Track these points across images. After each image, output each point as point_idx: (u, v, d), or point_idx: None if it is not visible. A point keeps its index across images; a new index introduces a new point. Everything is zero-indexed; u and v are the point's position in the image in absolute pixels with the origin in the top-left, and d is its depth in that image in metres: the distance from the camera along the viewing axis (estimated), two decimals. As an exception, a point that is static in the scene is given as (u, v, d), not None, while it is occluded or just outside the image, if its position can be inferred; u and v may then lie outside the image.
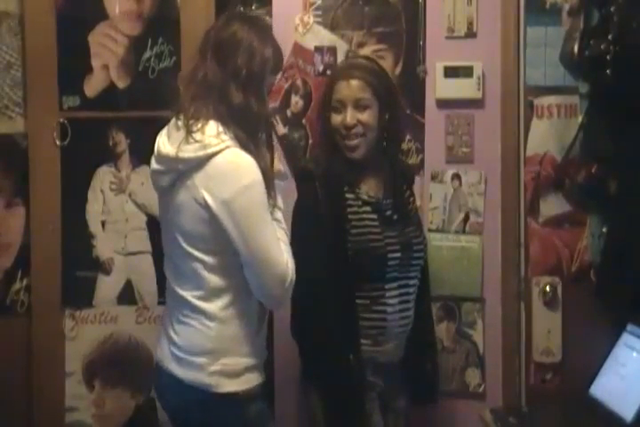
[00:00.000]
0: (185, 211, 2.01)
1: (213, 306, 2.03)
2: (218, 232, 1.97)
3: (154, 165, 2.09)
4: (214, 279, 2.02)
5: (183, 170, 1.99)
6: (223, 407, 2.05)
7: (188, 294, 2.05)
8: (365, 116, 2.29)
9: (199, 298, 2.04)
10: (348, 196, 2.31)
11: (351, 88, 2.30)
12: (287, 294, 2.01)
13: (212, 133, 1.97)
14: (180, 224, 2.03)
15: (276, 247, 1.98)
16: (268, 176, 2.02)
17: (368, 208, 2.32)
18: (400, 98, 2.47)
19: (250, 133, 2.02)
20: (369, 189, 2.35)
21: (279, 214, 2.08)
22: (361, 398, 2.25)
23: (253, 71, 2.03)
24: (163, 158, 2.04)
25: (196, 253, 2.02)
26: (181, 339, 2.06)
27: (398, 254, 2.30)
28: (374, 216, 2.31)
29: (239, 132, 2.00)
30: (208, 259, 2.01)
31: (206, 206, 1.96)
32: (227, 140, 1.97)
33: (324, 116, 2.36)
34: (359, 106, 2.29)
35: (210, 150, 1.96)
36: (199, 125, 1.99)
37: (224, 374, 2.03)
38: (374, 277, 2.28)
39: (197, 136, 1.97)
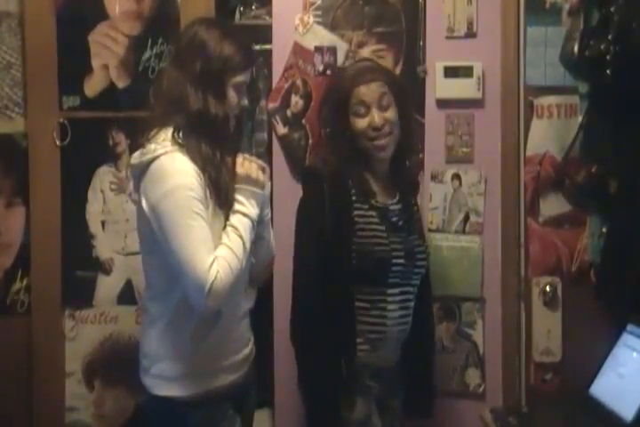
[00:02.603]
0: (138, 214, 2.10)
1: (156, 309, 2.09)
2: (154, 234, 2.02)
3: None
4: (158, 281, 2.08)
5: (136, 176, 2.08)
6: (162, 411, 2.09)
7: (144, 294, 2.19)
8: (389, 114, 2.32)
9: (148, 299, 2.14)
10: (355, 199, 2.31)
11: (372, 90, 2.31)
12: (209, 300, 1.95)
13: (158, 141, 2.03)
14: (137, 227, 2.13)
15: (198, 253, 1.95)
16: (220, 181, 2.03)
17: (375, 213, 2.32)
18: (410, 97, 2.46)
19: (206, 138, 2.04)
20: (379, 193, 2.36)
21: (238, 221, 2.05)
22: (352, 402, 2.26)
23: (212, 71, 2.06)
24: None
25: (144, 254, 2.12)
26: (141, 341, 2.17)
27: (402, 261, 2.31)
28: (380, 221, 2.32)
29: (192, 138, 2.03)
30: (152, 260, 2.08)
31: (143, 209, 2.03)
32: (168, 146, 2.01)
33: (342, 122, 2.34)
34: (382, 106, 2.30)
35: (148, 156, 2.02)
36: (153, 135, 2.05)
37: (162, 377, 2.08)
38: (377, 281, 2.29)
39: (148, 144, 2.04)
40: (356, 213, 2.29)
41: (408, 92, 2.45)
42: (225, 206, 2.06)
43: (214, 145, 2.05)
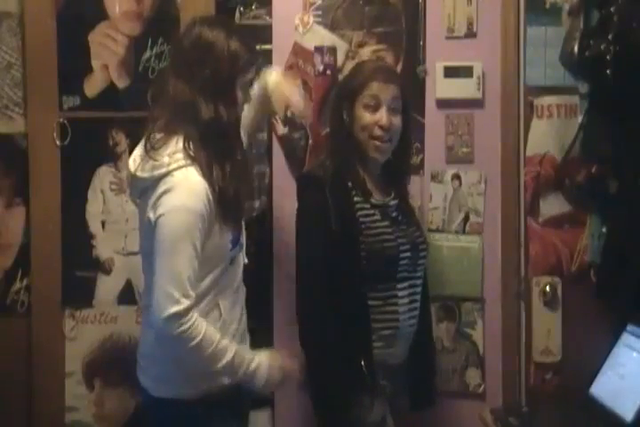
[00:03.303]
0: (141, 222, 2.06)
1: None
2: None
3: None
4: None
5: (141, 188, 2.03)
6: (160, 412, 2.09)
7: (143, 298, 2.17)
8: (397, 121, 2.31)
9: (148, 301, 2.08)
10: (357, 199, 2.31)
11: (388, 90, 2.30)
12: (165, 328, 1.92)
13: (169, 152, 1.98)
14: (140, 233, 2.09)
15: (173, 280, 1.92)
16: (228, 196, 2.00)
17: (376, 211, 2.32)
18: (410, 103, 2.46)
19: (220, 150, 2.01)
20: (374, 191, 2.35)
21: (243, 365, 2.01)
22: (371, 403, 2.25)
23: (223, 75, 2.00)
24: (130, 175, 2.08)
25: (145, 259, 2.08)
26: (140, 340, 2.17)
27: (408, 254, 2.32)
28: (383, 218, 2.32)
29: (204, 150, 1.98)
30: (153, 266, 2.01)
31: (148, 218, 1.98)
32: (180, 159, 1.97)
33: (348, 111, 2.32)
34: (392, 109, 2.30)
35: (161, 171, 1.97)
36: (160, 144, 1.99)
37: (160, 379, 2.07)
38: (387, 277, 2.29)
39: (156, 155, 1.98)
40: (359, 213, 2.29)
41: (409, 100, 2.43)
42: (232, 222, 2.04)
43: (225, 154, 2.02)
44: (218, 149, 2.00)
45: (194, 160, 1.97)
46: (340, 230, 2.24)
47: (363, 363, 2.23)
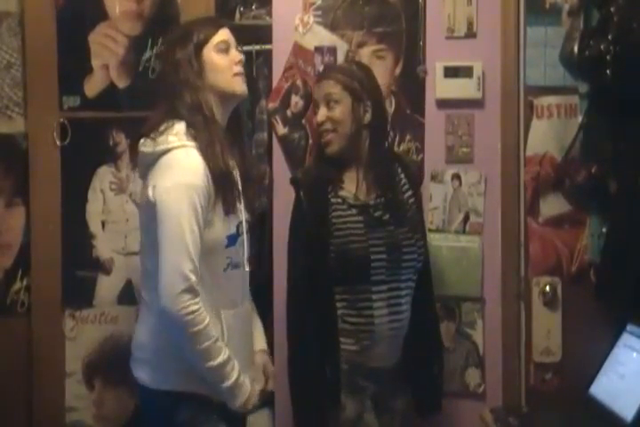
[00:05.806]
0: (141, 206, 2.09)
1: (154, 298, 2.04)
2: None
3: None
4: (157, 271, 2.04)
5: (145, 164, 2.07)
6: (151, 403, 2.09)
7: (142, 288, 2.16)
8: (335, 113, 2.34)
9: (148, 291, 2.10)
10: (334, 200, 2.32)
11: (321, 88, 2.37)
12: (173, 304, 1.93)
13: (174, 133, 2.04)
14: (140, 219, 2.12)
15: (182, 254, 1.94)
16: (225, 178, 2.04)
17: (354, 211, 2.32)
18: (382, 96, 2.46)
19: (213, 132, 2.06)
20: (357, 190, 2.34)
21: (230, 371, 2.03)
22: (339, 402, 2.26)
23: (184, 57, 2.09)
24: (137, 154, 2.14)
25: (146, 245, 2.09)
26: (135, 332, 2.17)
27: (384, 256, 2.29)
28: (360, 218, 2.31)
29: (202, 134, 2.04)
30: (154, 250, 2.02)
31: (148, 199, 2.01)
32: (183, 139, 2.03)
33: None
34: (329, 103, 2.34)
35: (162, 147, 2.02)
36: (166, 125, 2.06)
37: (153, 369, 2.08)
38: (358, 279, 2.28)
39: (159, 136, 2.04)
40: (334, 213, 2.30)
41: (380, 92, 2.42)
42: (229, 211, 2.06)
43: (223, 137, 2.07)
44: (212, 131, 2.06)
45: (195, 141, 2.03)
46: (312, 231, 2.27)
47: (327, 363, 2.25)
